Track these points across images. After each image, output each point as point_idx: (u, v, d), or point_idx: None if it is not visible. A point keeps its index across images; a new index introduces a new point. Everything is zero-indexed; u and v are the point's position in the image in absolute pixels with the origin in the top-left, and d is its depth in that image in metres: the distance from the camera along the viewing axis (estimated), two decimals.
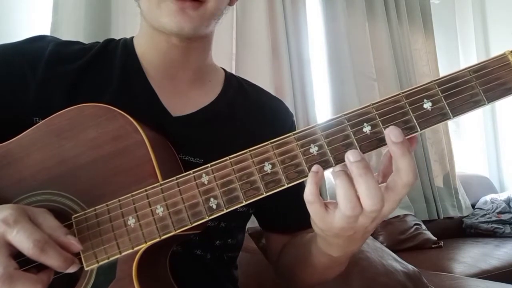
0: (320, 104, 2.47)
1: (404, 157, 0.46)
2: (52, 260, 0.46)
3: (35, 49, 0.69)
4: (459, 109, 0.49)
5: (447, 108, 0.49)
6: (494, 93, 0.48)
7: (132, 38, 0.78)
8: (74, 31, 1.50)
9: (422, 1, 3.28)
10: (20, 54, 0.68)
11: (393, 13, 2.98)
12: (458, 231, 2.90)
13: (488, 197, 3.02)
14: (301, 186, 0.85)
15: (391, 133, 0.46)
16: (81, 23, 1.56)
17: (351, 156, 0.46)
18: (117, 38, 0.80)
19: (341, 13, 2.64)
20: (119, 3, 1.69)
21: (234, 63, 2.10)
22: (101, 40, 0.78)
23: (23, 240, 0.45)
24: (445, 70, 3.40)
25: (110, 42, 0.77)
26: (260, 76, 2.06)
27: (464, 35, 3.75)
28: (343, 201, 0.47)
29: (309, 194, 0.49)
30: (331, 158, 0.50)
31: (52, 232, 0.48)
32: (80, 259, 0.52)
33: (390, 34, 2.93)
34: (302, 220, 0.81)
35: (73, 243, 0.49)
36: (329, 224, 0.50)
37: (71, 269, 0.48)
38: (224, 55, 2.02)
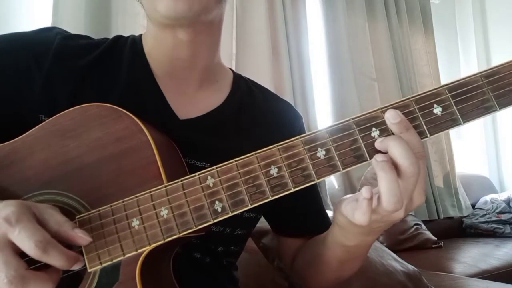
0: (320, 104, 2.48)
1: (408, 131, 0.48)
2: (55, 260, 0.46)
3: (41, 42, 0.67)
4: (469, 115, 0.49)
5: (458, 114, 0.49)
6: (505, 99, 0.48)
7: (140, 36, 0.76)
8: (74, 32, 1.49)
9: (422, 1, 3.28)
10: (26, 45, 0.66)
11: (393, 13, 2.99)
12: (458, 231, 2.91)
13: (488, 197, 3.02)
14: (318, 190, 0.85)
15: (389, 116, 0.48)
16: (81, 23, 1.56)
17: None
18: None
19: (341, 13, 2.64)
20: (119, 3, 1.69)
21: (234, 63, 2.10)
22: None
23: (25, 240, 0.44)
24: (445, 70, 3.41)
25: (119, 39, 0.75)
26: (260, 76, 2.06)
27: (464, 35, 3.75)
28: (387, 196, 0.46)
29: (364, 221, 0.49)
30: (338, 163, 0.49)
31: (59, 227, 0.48)
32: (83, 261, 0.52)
33: (390, 34, 2.93)
34: (320, 225, 0.81)
35: (81, 236, 0.49)
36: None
37: (76, 267, 0.48)
38: (224, 55, 1.99)
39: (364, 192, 0.47)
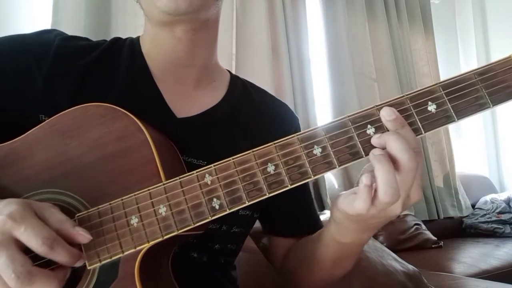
0: (320, 104, 2.48)
1: (403, 128, 0.49)
2: (60, 256, 0.47)
3: (41, 43, 0.68)
4: (463, 112, 0.49)
5: (452, 111, 0.49)
6: (498, 96, 0.49)
7: (138, 37, 0.77)
8: (74, 32, 1.48)
9: (422, 1, 3.28)
10: (26, 46, 0.67)
11: (393, 13, 2.99)
12: (458, 231, 2.91)
13: (488, 197, 3.02)
14: (309, 190, 0.85)
15: (385, 113, 0.49)
16: (81, 23, 1.57)
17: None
18: None
19: (341, 13, 2.64)
20: (119, 3, 1.69)
21: (234, 63, 2.10)
22: None
23: (31, 237, 0.45)
24: (445, 70, 3.41)
25: (117, 41, 0.76)
26: (260, 76, 2.06)
27: (464, 35, 3.75)
28: (384, 187, 0.47)
29: (364, 209, 0.49)
30: (334, 160, 0.50)
31: (60, 225, 0.49)
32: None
33: (390, 34, 2.93)
34: (312, 225, 0.82)
35: (82, 234, 0.49)
36: (362, 215, 0.51)
37: (78, 264, 0.49)
38: (224, 55, 2.02)
39: (364, 179, 0.47)
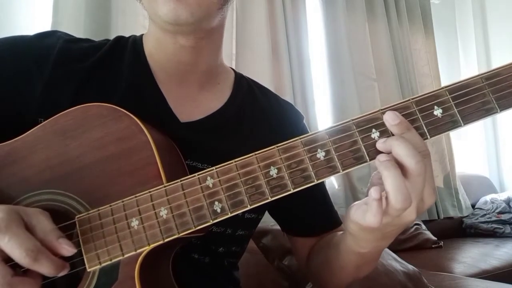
0: (320, 104, 2.48)
1: (409, 131, 0.48)
2: (43, 268, 0.46)
3: (43, 46, 0.67)
4: (470, 117, 0.49)
5: (458, 116, 0.49)
6: (506, 101, 0.48)
7: (141, 36, 0.76)
8: (74, 32, 1.48)
9: (422, 1, 3.28)
10: (28, 50, 0.66)
11: (393, 13, 2.99)
12: (458, 231, 2.91)
13: (488, 197, 3.03)
14: (324, 188, 0.85)
15: (388, 117, 0.48)
16: (81, 23, 1.56)
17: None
18: None
19: (341, 13, 2.64)
20: (119, 3, 1.69)
21: (234, 63, 2.10)
22: None
23: (14, 248, 0.44)
24: (445, 70, 3.41)
25: (119, 40, 0.75)
26: (260, 76, 2.05)
27: (464, 35, 3.75)
28: (394, 193, 0.45)
29: (375, 223, 0.47)
30: (338, 164, 0.49)
31: (44, 236, 0.47)
32: (82, 260, 0.52)
33: (390, 34, 2.93)
34: (328, 223, 0.81)
35: (65, 247, 0.48)
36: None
37: (61, 274, 0.48)
38: (224, 55, 1.99)
39: (373, 193, 0.46)
